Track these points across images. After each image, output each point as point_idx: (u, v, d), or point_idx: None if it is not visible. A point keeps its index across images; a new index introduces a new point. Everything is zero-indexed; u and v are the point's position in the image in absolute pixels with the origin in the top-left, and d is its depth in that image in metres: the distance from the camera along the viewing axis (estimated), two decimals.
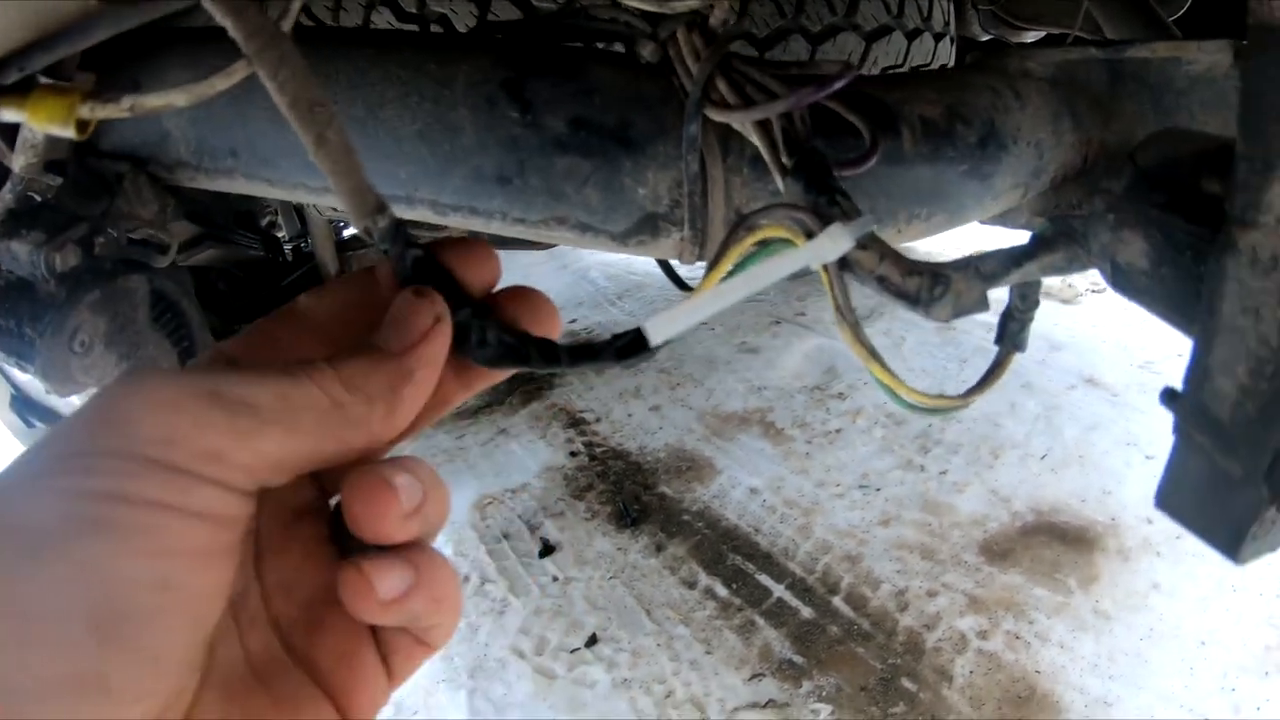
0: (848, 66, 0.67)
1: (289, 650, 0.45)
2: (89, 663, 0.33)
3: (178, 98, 0.48)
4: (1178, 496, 0.47)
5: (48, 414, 1.35)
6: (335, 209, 1.62)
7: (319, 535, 0.48)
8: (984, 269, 0.59)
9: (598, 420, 2.80)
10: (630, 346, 0.48)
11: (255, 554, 0.45)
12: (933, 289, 0.57)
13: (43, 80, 0.47)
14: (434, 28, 1.44)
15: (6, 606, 0.32)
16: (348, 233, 2.16)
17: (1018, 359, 0.80)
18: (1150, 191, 0.54)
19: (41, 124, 0.47)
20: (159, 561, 0.35)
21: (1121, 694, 1.67)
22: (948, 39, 1.93)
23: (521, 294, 0.52)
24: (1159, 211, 0.51)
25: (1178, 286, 0.49)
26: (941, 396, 0.62)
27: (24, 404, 1.36)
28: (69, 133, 0.47)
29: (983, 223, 1.08)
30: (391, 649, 0.47)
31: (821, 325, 3.11)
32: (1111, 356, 2.77)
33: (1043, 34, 2.42)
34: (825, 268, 0.55)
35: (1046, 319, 2.93)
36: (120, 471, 0.35)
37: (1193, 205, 0.49)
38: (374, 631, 0.46)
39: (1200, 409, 0.44)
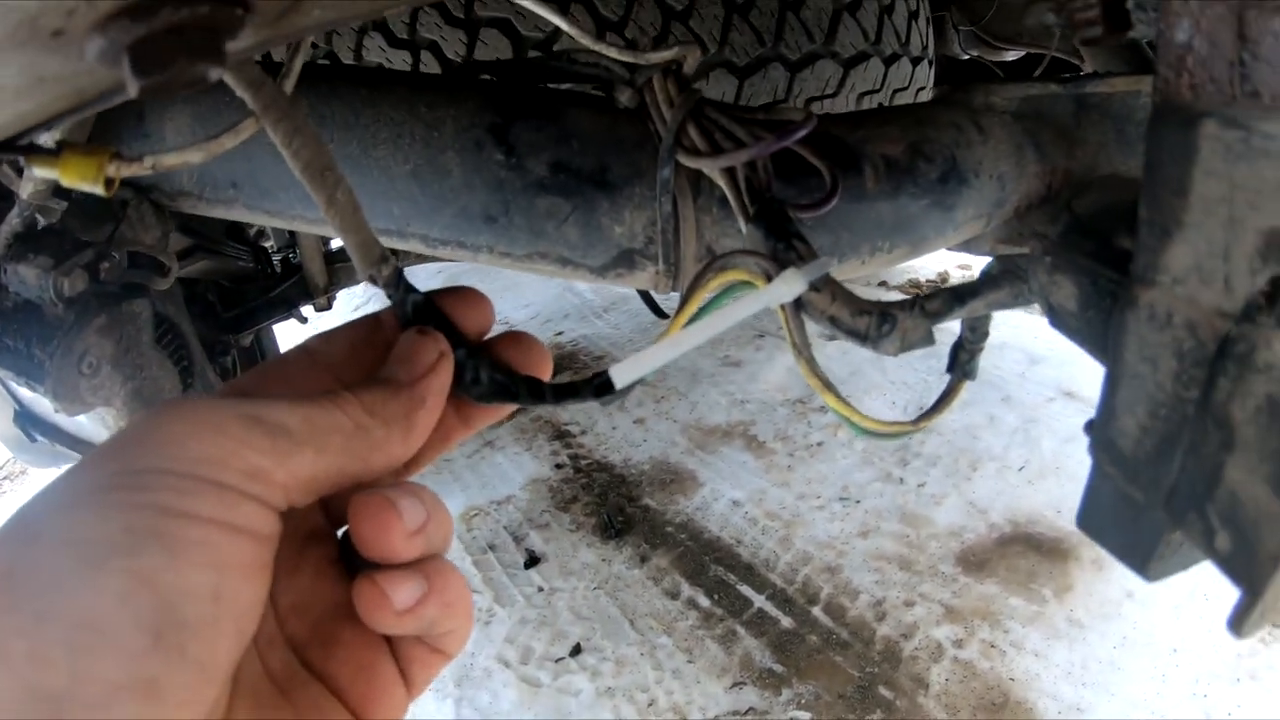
0: (809, 115, 0.72)
1: (306, 667, 0.47)
2: (146, 669, 0.34)
3: (194, 155, 0.53)
4: (1095, 518, 0.51)
5: (51, 429, 1.38)
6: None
7: (327, 558, 0.51)
8: (929, 307, 0.64)
9: (583, 433, 2.83)
10: (604, 386, 0.53)
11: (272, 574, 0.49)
12: (880, 326, 0.62)
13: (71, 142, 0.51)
14: (424, 53, 1.48)
15: (69, 615, 0.34)
16: (334, 244, 2.18)
17: (999, 371, 0.84)
18: (1082, 239, 0.58)
19: (73, 182, 0.52)
20: (212, 574, 0.37)
21: (1094, 701, 1.71)
22: (925, 62, 1.95)
23: (517, 338, 0.57)
24: (1087, 260, 0.56)
25: (1102, 328, 0.54)
26: (894, 423, 0.66)
27: (27, 419, 1.39)
28: (98, 190, 0.52)
29: (949, 249, 1.12)
30: (408, 660, 0.50)
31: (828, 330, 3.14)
32: (1090, 370, 2.78)
33: (1022, 53, 2.46)
34: (783, 308, 0.59)
35: (1026, 333, 2.97)
36: (175, 488, 0.37)
37: (1116, 256, 0.54)
38: (390, 644, 0.49)
39: (1109, 442, 0.49)
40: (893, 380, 2.84)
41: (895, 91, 1.86)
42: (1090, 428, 0.51)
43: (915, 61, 1.89)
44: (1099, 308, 0.54)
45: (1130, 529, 0.48)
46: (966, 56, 2.50)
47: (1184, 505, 0.43)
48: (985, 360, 2.70)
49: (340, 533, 0.52)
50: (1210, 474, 0.41)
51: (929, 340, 0.64)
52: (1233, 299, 0.40)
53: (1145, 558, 0.47)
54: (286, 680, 0.46)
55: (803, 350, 0.61)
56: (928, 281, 3.60)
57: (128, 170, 0.52)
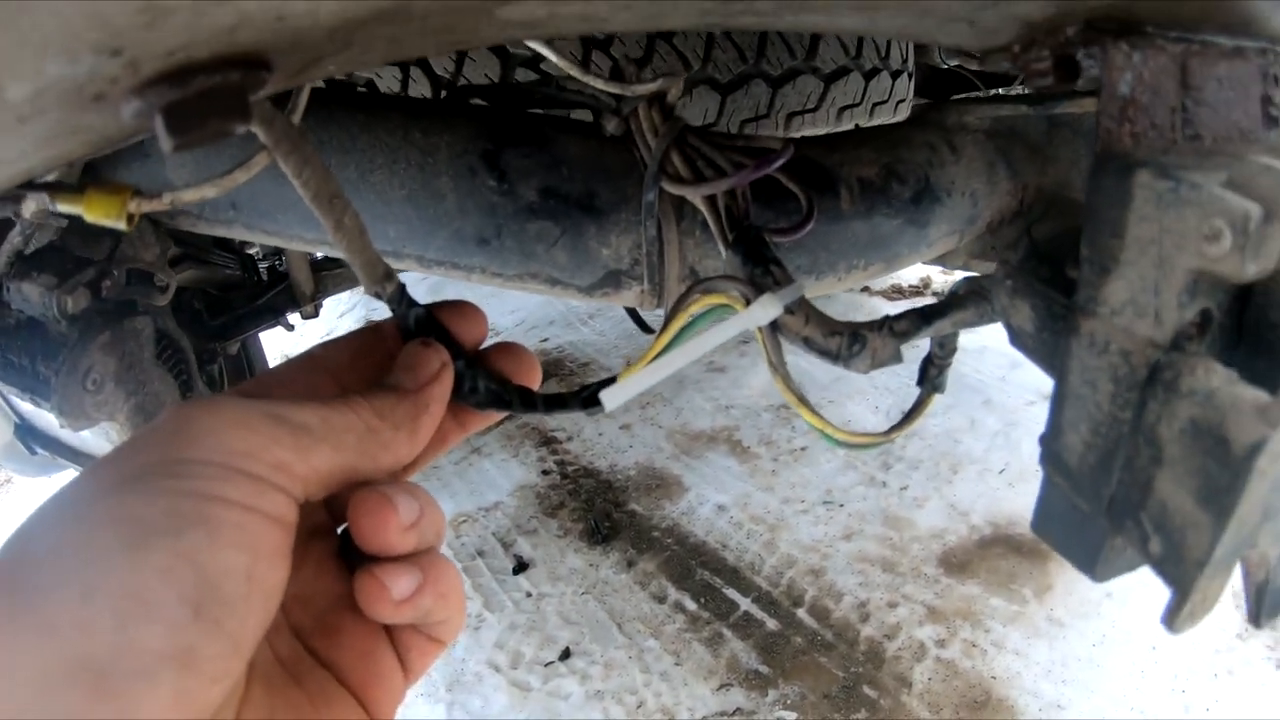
0: (786, 144, 0.76)
1: (313, 654, 0.51)
2: (186, 639, 0.37)
3: (209, 191, 0.57)
4: (1046, 524, 0.56)
5: (51, 442, 1.41)
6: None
7: (329, 553, 0.55)
8: (897, 327, 0.68)
9: (569, 439, 2.85)
10: (590, 399, 0.57)
11: None
12: (851, 346, 0.66)
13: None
14: (413, 69, 1.51)
15: (117, 588, 0.36)
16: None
17: (980, 375, 0.88)
18: (1039, 265, 0.63)
19: (96, 218, 0.55)
20: (245, 555, 0.40)
21: (1074, 698, 1.75)
22: (906, 75, 1.97)
23: (509, 348, 0.62)
24: (1042, 285, 0.60)
25: (1055, 350, 0.58)
26: (867, 434, 0.70)
27: (28, 432, 1.41)
28: (119, 225, 0.55)
29: (924, 263, 1.16)
30: (406, 648, 0.54)
31: (787, 345, 3.17)
32: None
33: (1004, 64, 2.49)
34: (760, 330, 0.64)
35: (1006, 337, 3.00)
36: (213, 476, 0.40)
37: (1067, 283, 0.58)
38: (389, 633, 0.53)
39: (1056, 456, 0.53)
40: (876, 385, 2.88)
41: (875, 105, 1.89)
42: (1043, 440, 0.56)
43: (895, 75, 1.91)
44: (1052, 330, 0.58)
45: (1077, 534, 0.53)
46: (947, 66, 2.53)
47: (1122, 514, 0.47)
48: (966, 364, 2.74)
49: (340, 530, 0.56)
50: (1143, 486, 0.45)
51: (898, 358, 0.68)
52: (1162, 330, 0.44)
53: (1092, 560, 0.52)
54: (294, 666, 0.50)
55: (779, 368, 0.65)
56: (910, 286, 3.64)
57: (148, 207, 0.56)
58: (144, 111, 0.37)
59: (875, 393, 2.85)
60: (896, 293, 3.62)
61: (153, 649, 0.36)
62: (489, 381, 0.59)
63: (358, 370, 0.58)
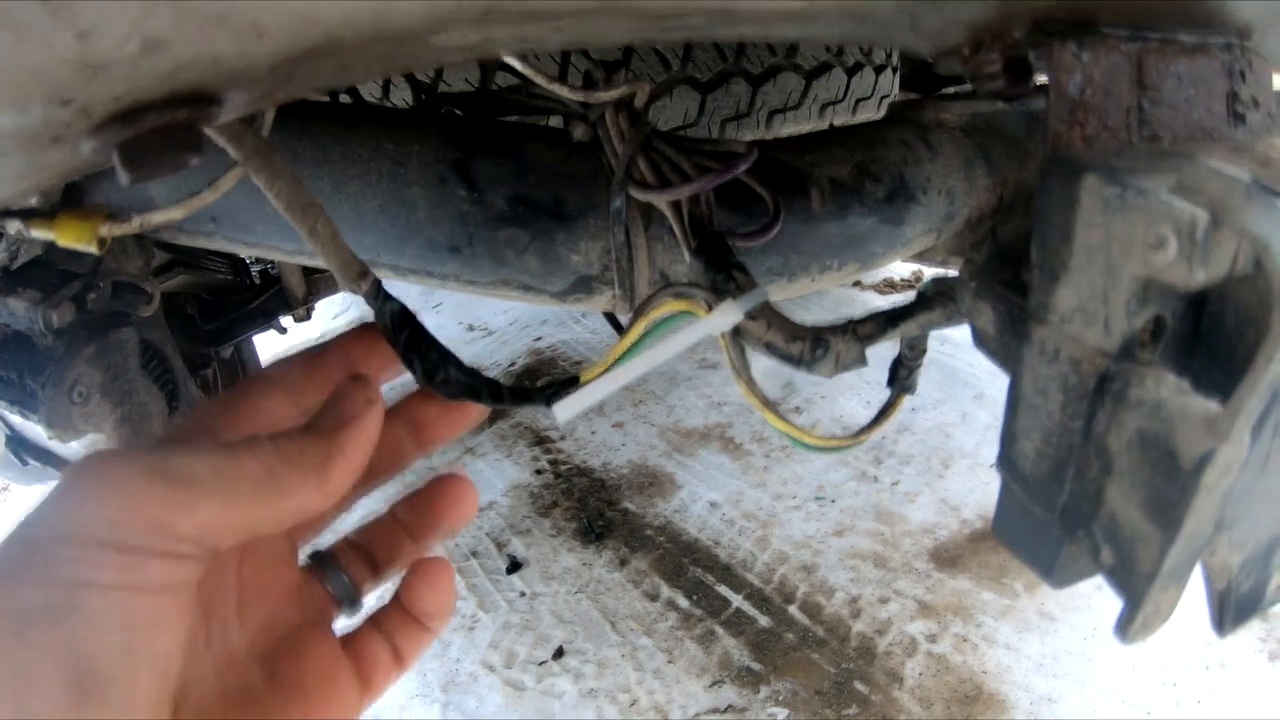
0: (750, 149, 0.76)
1: (272, 678, 0.52)
2: (78, 716, 0.39)
3: (176, 213, 0.57)
4: (1005, 529, 0.55)
5: (42, 453, 1.41)
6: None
7: (294, 581, 0.57)
8: (861, 331, 0.67)
9: (562, 438, 2.85)
10: (555, 396, 0.58)
11: (238, 600, 0.53)
12: (814, 351, 0.66)
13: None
14: (395, 78, 1.51)
15: (6, 676, 0.39)
16: None
17: (972, 370, 0.87)
18: (1000, 266, 0.62)
19: (68, 243, 0.55)
20: (122, 635, 0.41)
21: (1065, 691, 1.74)
22: (889, 70, 1.96)
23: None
24: (1002, 288, 0.59)
25: (1015, 353, 0.58)
26: (835, 438, 0.70)
27: (20, 444, 1.41)
28: (91, 249, 0.55)
29: (903, 261, 1.15)
30: (371, 666, 0.56)
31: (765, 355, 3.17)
32: None
33: (956, 67, 2.48)
34: (722, 335, 0.63)
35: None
36: (80, 560, 0.41)
37: (1025, 286, 0.58)
38: (351, 655, 0.56)
39: (1011, 463, 0.53)
40: (868, 380, 2.88)
41: (859, 101, 1.88)
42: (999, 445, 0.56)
43: (879, 70, 1.91)
44: (1013, 333, 0.58)
45: (1035, 540, 0.52)
46: (933, 60, 2.51)
47: (1074, 523, 0.47)
48: (959, 359, 2.73)
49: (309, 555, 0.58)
50: (1094, 497, 0.45)
51: (862, 362, 0.68)
52: (1111, 339, 0.44)
53: (1049, 567, 0.52)
54: (243, 697, 0.50)
55: (742, 373, 0.65)
56: (902, 280, 3.64)
57: (119, 230, 0.56)
58: (101, 150, 0.38)
59: (867, 388, 2.84)
60: (889, 287, 3.62)
61: None
62: (460, 373, 0.59)
63: (313, 386, 0.58)
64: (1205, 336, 0.48)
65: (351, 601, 0.60)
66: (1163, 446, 0.40)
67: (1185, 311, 0.47)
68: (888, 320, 0.68)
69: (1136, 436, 0.42)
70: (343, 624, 0.60)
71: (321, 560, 0.61)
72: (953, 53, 0.59)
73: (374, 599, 0.61)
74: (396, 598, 0.60)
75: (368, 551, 0.62)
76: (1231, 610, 0.51)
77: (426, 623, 0.59)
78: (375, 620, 0.60)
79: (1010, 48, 0.53)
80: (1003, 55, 0.53)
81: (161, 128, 0.37)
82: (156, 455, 0.45)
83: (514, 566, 2.30)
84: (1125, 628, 0.43)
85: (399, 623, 0.59)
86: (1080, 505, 0.46)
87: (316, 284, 2.11)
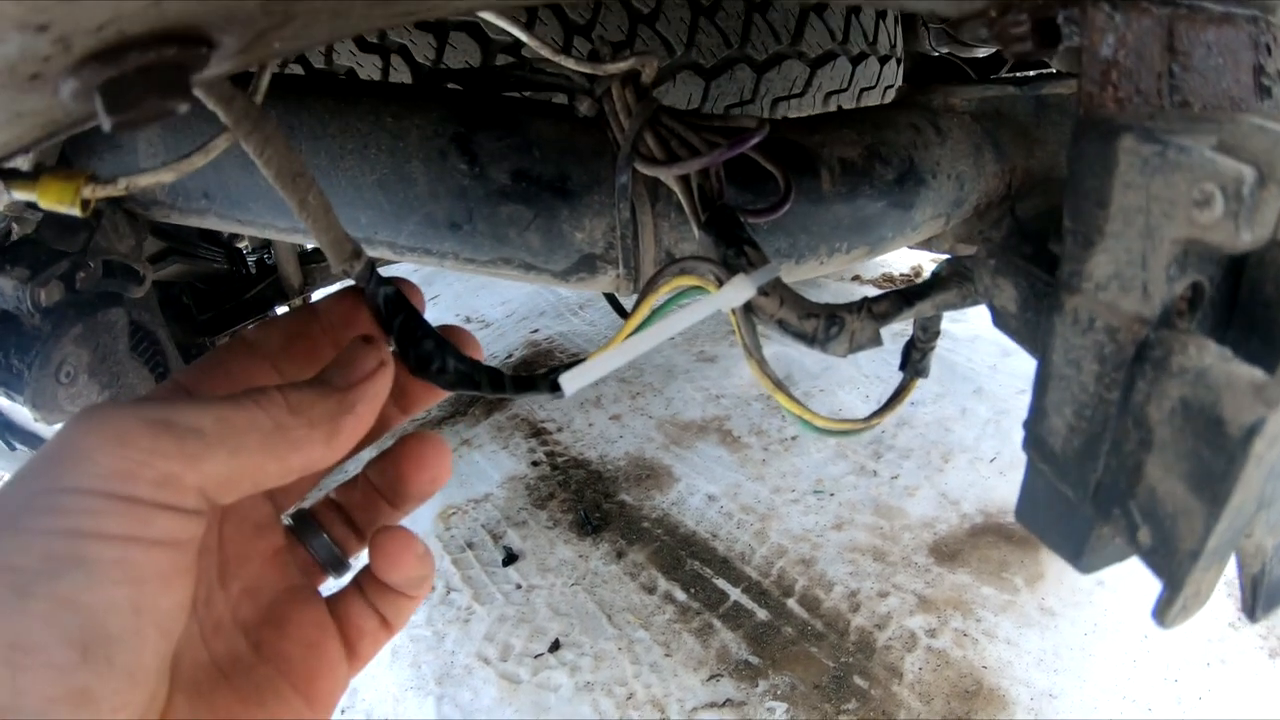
0: (761, 123, 0.74)
1: (258, 647, 0.51)
2: (77, 681, 0.37)
3: (166, 175, 0.54)
4: (1031, 512, 0.53)
5: (29, 437, 1.39)
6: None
7: (276, 546, 0.55)
8: (876, 309, 0.65)
9: (559, 430, 2.83)
10: (556, 384, 0.55)
11: (219, 566, 0.52)
12: (829, 329, 0.64)
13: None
14: (394, 57, 1.49)
15: (4, 638, 0.36)
16: (309, 245, 2.18)
17: (971, 364, 0.86)
18: (1021, 242, 0.60)
19: (50, 205, 0.53)
20: (129, 589, 0.39)
21: (1066, 687, 1.73)
22: (894, 60, 1.95)
23: (452, 331, 0.60)
24: (1024, 263, 0.57)
25: (1038, 329, 0.56)
26: (846, 420, 0.68)
27: (5, 427, 1.39)
28: (74, 211, 0.53)
29: (910, 247, 1.14)
30: (358, 635, 0.55)
31: (777, 333, 3.16)
32: None
33: (994, 50, 2.47)
34: (733, 312, 0.61)
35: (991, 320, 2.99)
36: (87, 509, 0.39)
37: (1051, 259, 0.56)
38: (338, 623, 0.54)
39: (1040, 440, 0.51)
40: (866, 374, 2.86)
41: (863, 90, 1.86)
42: (1025, 425, 0.53)
43: (883, 60, 1.89)
44: (1036, 309, 0.56)
45: (1062, 523, 0.50)
46: (937, 53, 2.50)
47: (1109, 501, 0.45)
48: (958, 353, 2.73)
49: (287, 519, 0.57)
50: (1131, 472, 0.43)
51: (877, 341, 0.66)
52: (1150, 305, 0.42)
53: (1078, 551, 0.49)
54: (231, 665, 0.49)
55: (753, 352, 0.63)
56: (901, 275, 3.63)
57: (103, 192, 0.54)
58: (81, 92, 0.36)
59: (866, 382, 2.83)
60: (888, 281, 3.60)
61: (45, 695, 0.36)
62: (458, 361, 0.57)
63: (293, 353, 0.57)
64: (1244, 305, 0.46)
65: (337, 564, 0.59)
66: (1208, 416, 0.38)
67: (1222, 279, 0.45)
68: (903, 299, 0.66)
69: (1179, 406, 0.39)
70: (330, 585, 0.59)
71: (304, 522, 0.59)
72: (979, 15, 0.57)
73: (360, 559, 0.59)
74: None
75: (347, 514, 0.60)
76: (1264, 595, 0.49)
77: (404, 591, 0.57)
78: (359, 584, 0.58)
79: (1039, 9, 0.51)
80: (1031, 17, 0.51)
81: (147, 67, 0.35)
82: (159, 407, 0.43)
83: (510, 559, 2.28)
84: (1165, 611, 0.41)
85: (380, 590, 0.57)
86: (1117, 481, 0.44)
87: (313, 273, 2.10)
